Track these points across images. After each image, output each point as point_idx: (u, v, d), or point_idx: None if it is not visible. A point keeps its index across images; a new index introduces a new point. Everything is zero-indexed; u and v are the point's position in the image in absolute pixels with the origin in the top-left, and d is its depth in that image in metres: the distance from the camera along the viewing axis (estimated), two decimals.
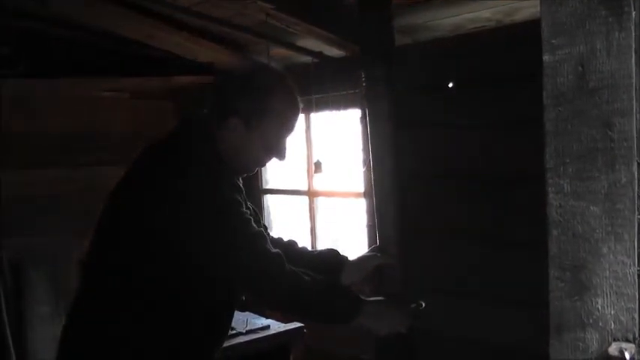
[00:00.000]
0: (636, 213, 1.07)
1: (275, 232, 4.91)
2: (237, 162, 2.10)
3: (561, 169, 1.13)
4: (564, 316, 1.14)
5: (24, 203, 4.23)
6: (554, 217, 1.14)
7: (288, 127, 2.16)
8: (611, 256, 1.09)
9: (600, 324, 1.11)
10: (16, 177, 4.26)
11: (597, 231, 1.10)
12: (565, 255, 1.13)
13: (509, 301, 3.04)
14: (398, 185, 2.77)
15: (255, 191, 4.95)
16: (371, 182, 2.96)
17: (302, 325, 3.60)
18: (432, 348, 3.12)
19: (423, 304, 2.47)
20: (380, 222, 2.75)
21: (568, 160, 1.12)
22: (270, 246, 1.97)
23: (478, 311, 3.20)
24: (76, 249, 4.61)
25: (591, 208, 1.10)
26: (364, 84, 3.04)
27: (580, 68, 1.11)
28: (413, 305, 2.41)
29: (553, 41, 1.12)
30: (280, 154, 2.16)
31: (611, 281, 1.09)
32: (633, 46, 1.06)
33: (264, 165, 2.30)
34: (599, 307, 1.11)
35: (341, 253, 2.45)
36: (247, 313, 3.81)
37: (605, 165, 1.08)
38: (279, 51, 4.09)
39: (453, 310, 3.26)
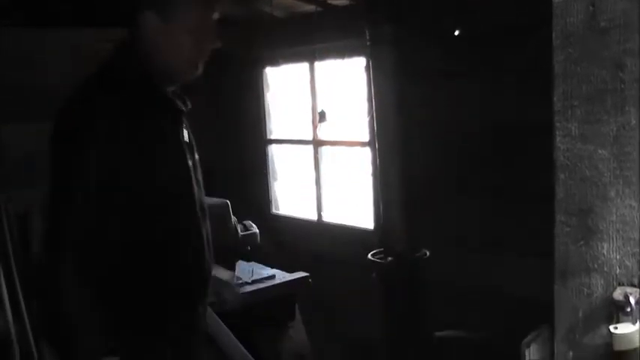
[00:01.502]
0: None
1: (281, 183, 4.95)
2: (168, 65, 1.81)
3: (569, 112, 1.10)
4: (569, 261, 1.13)
5: (28, 156, 4.22)
6: (561, 161, 1.12)
7: (208, 3, 1.84)
8: (619, 200, 1.07)
9: (605, 269, 1.10)
10: (19, 130, 4.24)
11: (605, 174, 1.08)
12: (572, 199, 1.11)
13: (521, 252, 3.04)
14: (402, 137, 2.75)
15: (260, 141, 4.93)
16: (375, 132, 2.95)
17: (307, 274, 3.62)
18: (443, 299, 3.13)
19: (427, 253, 2.48)
20: (383, 174, 2.75)
21: (576, 103, 1.10)
22: None
23: (488, 262, 3.20)
24: None
25: (599, 151, 1.08)
26: (368, 32, 2.99)
27: (591, 7, 1.07)
28: (419, 254, 2.42)
29: None
30: (210, 38, 1.84)
31: (617, 225, 1.08)
32: None
33: (200, 60, 1.89)
34: (605, 252, 1.10)
35: None
36: (252, 263, 3.83)
37: (615, 107, 1.06)
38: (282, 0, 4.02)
39: (462, 261, 3.26)
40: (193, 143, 1.94)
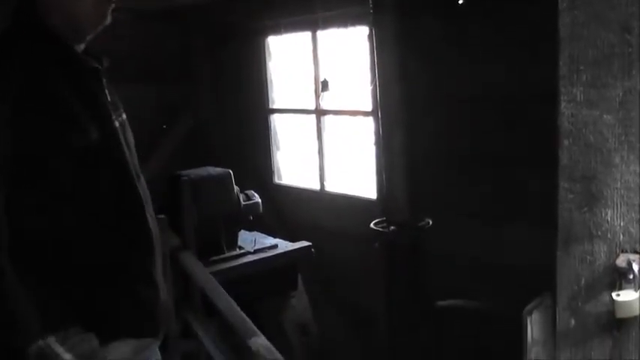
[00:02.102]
0: None
1: (283, 153, 4.93)
2: (70, 22, 1.70)
3: (575, 76, 1.08)
4: (573, 228, 1.12)
5: None
6: (565, 127, 1.10)
7: None
8: (624, 166, 1.06)
9: (609, 235, 1.09)
10: None
11: (610, 140, 1.06)
12: (576, 166, 1.10)
13: (523, 221, 3.03)
14: (405, 106, 2.73)
15: (262, 111, 4.91)
16: (378, 102, 2.92)
17: (309, 244, 3.62)
18: (444, 268, 3.13)
19: (430, 222, 2.47)
20: (385, 144, 2.73)
21: (582, 67, 1.07)
22: None
23: (491, 231, 3.20)
24: None
25: (605, 116, 1.06)
26: (371, 0, 2.95)
27: None
28: (422, 223, 2.41)
29: None
30: None
31: (622, 192, 1.07)
32: None
33: (105, 10, 1.75)
34: (609, 219, 1.09)
35: None
36: (255, 232, 3.84)
37: (622, 71, 1.04)
38: None
39: (464, 230, 3.26)
40: (118, 103, 1.88)
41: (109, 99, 1.79)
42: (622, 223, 1.07)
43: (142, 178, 1.91)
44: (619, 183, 1.06)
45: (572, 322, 1.16)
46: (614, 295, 1.06)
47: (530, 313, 1.25)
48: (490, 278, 3.09)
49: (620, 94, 1.04)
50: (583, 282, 1.12)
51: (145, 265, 1.92)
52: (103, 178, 1.74)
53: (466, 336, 2.34)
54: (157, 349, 2.11)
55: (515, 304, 1.62)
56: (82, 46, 1.76)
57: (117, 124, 1.79)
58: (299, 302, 3.82)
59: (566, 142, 1.10)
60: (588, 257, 1.11)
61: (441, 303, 2.48)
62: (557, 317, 1.18)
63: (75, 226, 1.71)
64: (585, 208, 1.10)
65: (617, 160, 1.06)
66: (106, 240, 1.78)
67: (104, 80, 1.78)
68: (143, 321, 1.94)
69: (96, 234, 1.75)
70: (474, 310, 2.42)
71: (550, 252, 1.21)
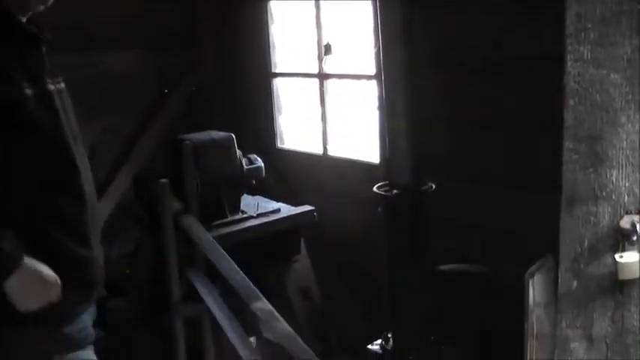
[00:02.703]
0: None
1: (286, 117, 4.90)
2: None
3: (582, 34, 1.06)
4: (577, 189, 1.11)
5: None
6: (571, 86, 1.08)
7: None
8: (630, 126, 1.04)
9: (613, 196, 1.08)
10: None
11: (617, 100, 1.04)
12: (581, 126, 1.08)
13: (527, 186, 3.01)
14: (409, 69, 2.69)
15: (264, 75, 4.86)
16: (381, 66, 2.89)
17: (312, 208, 3.62)
18: (447, 233, 3.13)
19: (434, 186, 2.46)
20: (389, 107, 2.70)
21: (590, 25, 1.05)
22: None
23: (494, 196, 3.19)
24: (83, 131, 4.64)
25: (612, 75, 1.04)
26: None
27: None
28: (424, 187, 2.40)
29: None
30: None
31: (627, 152, 1.05)
32: None
33: None
34: (614, 180, 1.07)
35: None
36: (258, 197, 3.83)
37: (630, 29, 1.01)
38: None
39: (467, 194, 3.25)
40: (58, 73, 1.99)
41: (47, 66, 1.90)
42: (627, 184, 1.06)
43: (80, 143, 2.03)
44: (625, 143, 1.05)
45: (575, 284, 1.15)
46: (617, 256, 1.06)
47: (532, 275, 1.25)
48: (493, 243, 3.09)
49: (628, 53, 1.02)
50: (586, 244, 1.12)
51: (76, 223, 1.99)
52: (36, 135, 1.85)
53: (468, 300, 2.35)
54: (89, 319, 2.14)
55: (517, 269, 1.62)
56: (26, 16, 1.88)
57: (52, 87, 1.90)
58: (302, 266, 3.84)
59: (571, 102, 1.09)
60: (592, 218, 1.10)
61: (443, 267, 2.48)
62: (560, 279, 1.18)
63: (7, 176, 1.81)
64: (590, 169, 1.09)
65: (623, 119, 1.04)
66: (38, 193, 1.88)
67: (43, 49, 1.90)
68: (72, 272, 1.99)
69: (27, 187, 1.86)
70: (476, 275, 2.42)
71: (553, 217, 1.21)
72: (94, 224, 2.10)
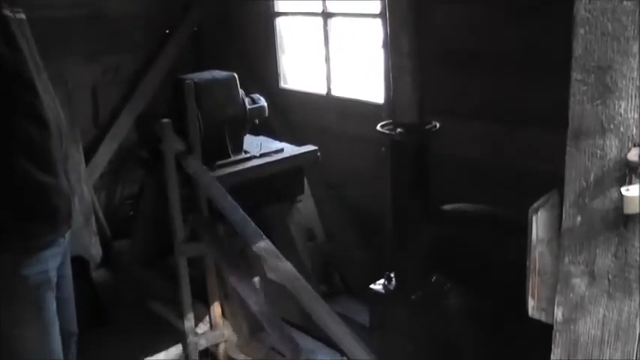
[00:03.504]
0: None
1: (289, 56, 4.83)
2: None
3: None
4: (584, 121, 1.08)
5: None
6: (582, 15, 1.04)
7: None
8: None
9: (621, 129, 1.05)
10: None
11: (629, 28, 1.00)
12: (591, 56, 1.04)
13: (533, 123, 2.98)
14: (414, 9, 2.62)
15: (267, 14, 4.77)
16: (386, 4, 2.81)
17: (316, 148, 3.60)
18: (451, 172, 3.11)
19: (438, 125, 2.43)
20: (393, 45, 2.64)
21: None
22: None
23: (499, 134, 3.16)
24: (85, 72, 4.61)
25: (624, 2, 1.00)
26: None
27: None
28: (429, 126, 2.36)
29: None
30: None
31: (638, 83, 1.01)
32: None
33: None
34: (622, 112, 1.04)
35: None
36: (261, 137, 3.81)
37: None
38: None
39: (472, 133, 3.23)
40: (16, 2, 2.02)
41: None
42: (635, 116, 1.03)
43: (44, 75, 2.09)
44: (635, 73, 1.01)
45: (579, 219, 1.13)
46: (623, 190, 1.03)
47: (536, 211, 1.23)
48: (497, 181, 3.08)
49: None
50: (592, 178, 1.09)
51: (40, 150, 2.03)
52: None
53: (471, 239, 2.34)
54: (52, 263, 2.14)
55: (521, 207, 1.60)
56: None
57: (9, 14, 1.94)
58: (305, 206, 3.84)
59: (581, 31, 1.04)
60: (599, 152, 1.07)
61: (446, 206, 2.47)
62: (564, 214, 1.16)
63: None
64: (598, 101, 1.05)
65: (635, 49, 1.00)
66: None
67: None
68: (35, 200, 2.01)
69: None
70: (479, 213, 2.41)
71: (558, 155, 1.18)
72: (60, 154, 2.11)
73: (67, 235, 2.25)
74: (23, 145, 1.99)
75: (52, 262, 2.13)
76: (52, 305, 2.13)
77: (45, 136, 2.03)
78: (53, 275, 2.14)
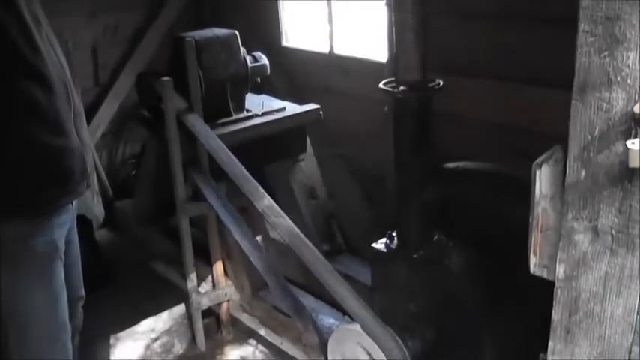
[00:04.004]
0: None
1: (291, 14, 4.76)
2: None
3: None
4: (590, 74, 1.05)
5: None
6: None
7: None
8: None
9: (628, 81, 1.02)
10: None
11: None
12: (598, 6, 1.01)
13: (540, 82, 2.94)
14: None
15: None
16: None
17: (318, 106, 3.57)
18: (454, 130, 3.09)
19: (441, 83, 2.39)
20: (397, 4, 2.58)
21: None
22: None
23: (505, 93, 3.12)
24: (85, 31, 4.55)
25: None
26: None
27: None
28: (432, 83, 2.32)
29: None
30: None
31: None
32: None
33: None
34: (630, 63, 1.01)
35: None
36: (263, 95, 3.78)
37: None
38: None
39: (476, 91, 3.19)
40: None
41: None
42: None
43: (44, 29, 2.01)
44: None
45: (583, 173, 1.11)
46: (628, 143, 1.01)
47: (539, 166, 1.21)
48: (500, 139, 3.05)
49: None
50: (597, 131, 1.07)
51: (47, 111, 1.97)
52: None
53: (473, 197, 2.33)
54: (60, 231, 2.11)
55: (523, 167, 1.58)
56: None
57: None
58: (307, 165, 3.83)
59: None
60: (605, 105, 1.05)
61: (448, 164, 2.45)
62: (568, 169, 1.14)
63: None
64: (605, 52, 1.02)
65: None
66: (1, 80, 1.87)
67: None
68: (46, 163, 1.97)
69: None
70: (481, 172, 2.39)
71: (564, 113, 1.16)
72: (68, 112, 2.05)
73: (75, 202, 2.23)
74: (28, 109, 1.93)
75: (60, 230, 2.11)
76: (60, 274, 2.13)
77: (50, 97, 1.97)
78: (61, 244, 2.12)
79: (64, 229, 2.14)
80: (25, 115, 1.93)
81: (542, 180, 1.22)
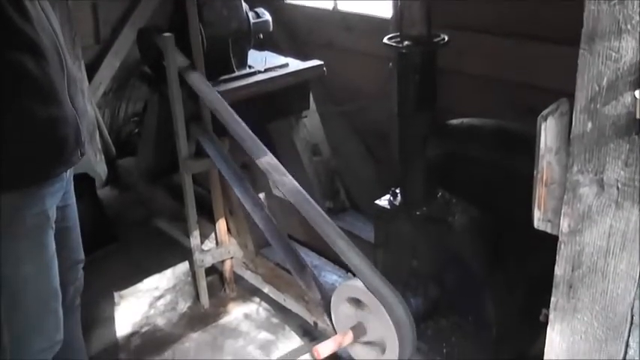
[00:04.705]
0: None
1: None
2: None
3: None
4: (600, 22, 1.02)
5: None
6: None
7: None
8: None
9: (639, 29, 0.99)
10: None
11: None
12: None
13: (547, 39, 2.89)
14: None
15: None
16: None
17: (321, 62, 3.53)
18: (458, 87, 3.05)
19: (446, 38, 2.35)
20: None
21: None
22: None
23: (511, 49, 3.07)
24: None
25: None
26: None
27: None
28: (437, 39, 2.28)
29: None
30: None
31: None
32: None
33: None
34: None
35: None
36: (265, 52, 3.73)
37: None
38: None
39: (480, 48, 3.14)
40: None
41: None
42: None
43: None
44: None
45: (589, 125, 1.09)
46: (637, 93, 0.99)
47: (545, 118, 1.18)
48: (506, 96, 3.02)
49: None
50: (605, 82, 1.04)
51: (39, 80, 1.92)
52: None
53: (477, 154, 2.31)
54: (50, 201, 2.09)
55: (528, 124, 1.56)
56: None
57: None
58: (311, 122, 3.80)
59: None
60: (613, 54, 1.02)
61: (452, 121, 2.42)
62: (574, 121, 1.12)
63: None
64: (615, 0, 0.99)
65: None
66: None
67: None
68: (40, 132, 1.94)
69: None
70: (486, 128, 2.36)
71: (569, 70, 1.13)
72: (62, 80, 2.00)
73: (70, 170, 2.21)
74: (19, 80, 1.88)
75: (52, 199, 2.09)
76: (51, 244, 2.11)
77: (42, 66, 1.91)
78: (52, 213, 2.10)
79: (56, 197, 2.12)
80: (16, 86, 1.87)
81: (548, 133, 1.20)
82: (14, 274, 2.04)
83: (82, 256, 2.47)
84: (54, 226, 2.12)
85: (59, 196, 2.15)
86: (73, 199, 2.34)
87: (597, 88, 1.05)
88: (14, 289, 2.06)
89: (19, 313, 2.09)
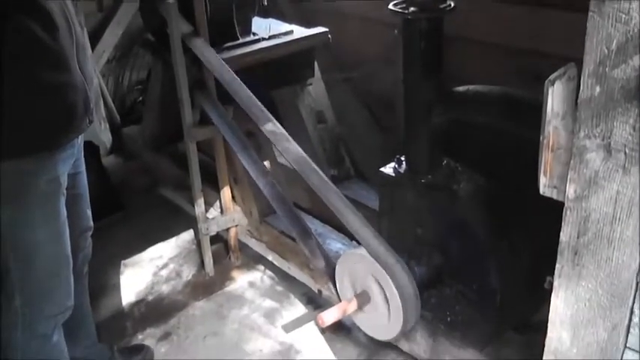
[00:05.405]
0: None
1: None
2: None
3: None
4: None
5: None
6: None
7: None
8: None
9: None
10: None
11: None
12: None
13: (549, 4, 2.85)
14: None
15: None
16: None
17: (326, 29, 3.48)
18: (464, 54, 3.02)
19: (452, 4, 2.31)
20: None
21: None
22: None
23: (518, 15, 3.03)
24: None
25: None
26: None
27: None
28: (443, 5, 2.25)
29: None
30: None
31: None
32: None
33: None
34: None
35: None
36: (270, 19, 3.69)
37: None
38: None
39: (488, 14, 3.10)
40: None
41: None
42: None
43: None
44: None
45: (597, 89, 1.07)
46: None
47: (552, 83, 1.16)
48: (512, 65, 2.99)
49: None
50: (614, 45, 1.02)
51: (48, 47, 1.90)
52: None
53: (482, 120, 2.29)
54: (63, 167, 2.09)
55: (534, 90, 1.53)
56: None
57: None
58: (316, 90, 3.77)
59: None
60: (623, 16, 1.00)
61: (458, 88, 2.39)
62: (582, 85, 1.10)
63: None
64: None
65: None
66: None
67: None
68: (48, 99, 1.93)
69: None
70: (492, 95, 2.34)
71: (578, 37, 1.11)
72: (72, 49, 1.99)
73: (81, 135, 2.21)
74: (30, 47, 1.87)
75: (64, 166, 2.09)
76: (63, 210, 2.12)
77: (52, 33, 1.90)
78: (64, 180, 2.11)
79: (67, 163, 2.12)
80: (27, 52, 1.87)
81: (555, 97, 1.18)
82: (28, 240, 2.06)
83: (91, 223, 2.49)
84: (65, 192, 2.12)
85: (70, 163, 2.16)
86: (83, 167, 2.36)
87: (606, 51, 1.03)
88: (27, 255, 2.08)
89: (31, 278, 2.11)
